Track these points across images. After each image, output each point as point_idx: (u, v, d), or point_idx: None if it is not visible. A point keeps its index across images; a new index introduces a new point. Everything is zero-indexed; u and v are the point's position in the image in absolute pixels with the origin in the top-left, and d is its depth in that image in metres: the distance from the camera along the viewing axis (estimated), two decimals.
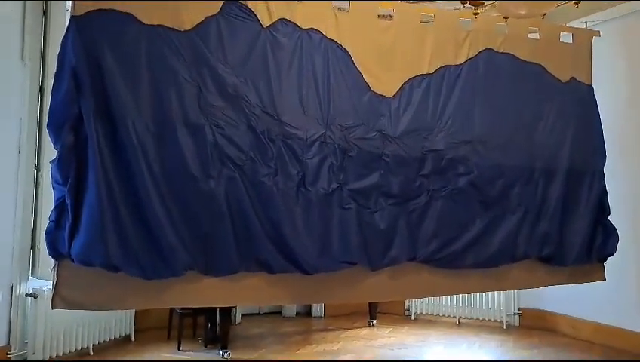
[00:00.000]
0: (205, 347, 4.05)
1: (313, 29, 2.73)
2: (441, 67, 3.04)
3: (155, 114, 2.39)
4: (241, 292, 2.59)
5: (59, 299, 2.30)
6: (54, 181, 2.31)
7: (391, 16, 3.02)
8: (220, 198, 2.49)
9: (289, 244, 2.59)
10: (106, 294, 2.39)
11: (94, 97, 2.26)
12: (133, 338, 4.14)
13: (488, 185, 3.10)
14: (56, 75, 2.30)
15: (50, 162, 2.36)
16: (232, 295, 2.58)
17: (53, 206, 2.33)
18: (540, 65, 3.31)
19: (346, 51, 2.81)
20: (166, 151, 2.40)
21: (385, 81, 2.90)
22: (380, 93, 2.88)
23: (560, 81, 3.36)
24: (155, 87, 2.39)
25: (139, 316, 4.20)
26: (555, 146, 3.30)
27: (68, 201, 2.25)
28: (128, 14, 2.36)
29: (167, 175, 2.39)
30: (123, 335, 4.09)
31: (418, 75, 2.98)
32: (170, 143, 2.41)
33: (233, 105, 2.54)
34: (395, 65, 2.93)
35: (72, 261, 2.26)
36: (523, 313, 4.71)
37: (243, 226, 2.54)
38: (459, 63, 3.09)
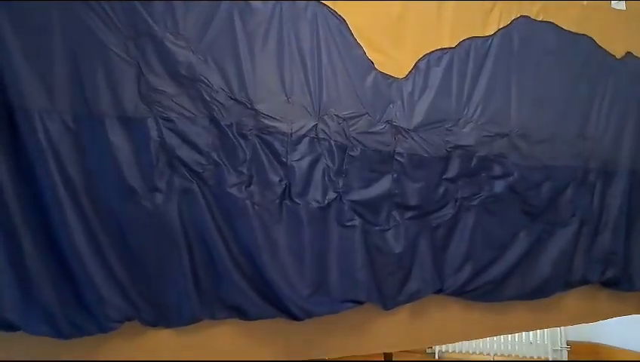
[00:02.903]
0: None
1: None
2: (465, 39, 2.34)
3: (73, 104, 1.70)
4: (206, 348, 1.87)
5: None
6: None
7: None
8: (171, 219, 1.80)
9: (269, 279, 1.88)
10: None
11: None
12: None
13: (532, 191, 2.39)
14: None
15: None
16: (192, 352, 1.86)
17: None
18: (589, 37, 2.63)
19: (341, 19, 2.12)
20: (91, 156, 1.71)
21: (394, 58, 2.21)
22: (388, 73, 2.18)
23: (614, 56, 2.68)
24: (73, 67, 1.71)
25: None
26: (613, 140, 2.61)
27: None
28: None
29: (93, 190, 1.70)
30: None
31: (436, 50, 2.28)
32: (96, 145, 1.72)
33: (188, 90, 1.85)
34: (406, 38, 2.24)
35: None
36: (572, 347, 3.91)
37: (205, 257, 1.84)
38: (488, 35, 2.39)
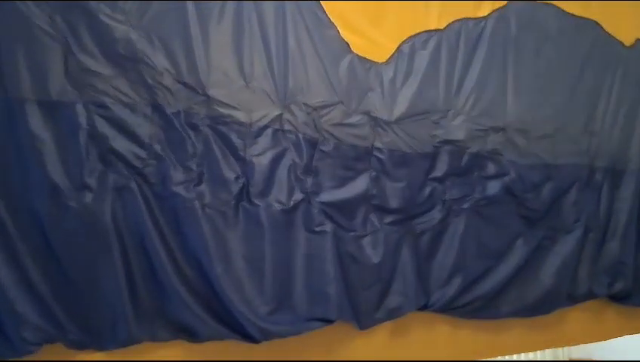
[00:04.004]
0: None
1: None
2: (455, 21, 2.08)
3: None
4: None
5: None
6: None
7: None
8: (103, 223, 1.52)
9: (222, 294, 1.61)
10: None
11: None
12: None
13: (531, 193, 2.15)
14: None
15: None
16: None
17: None
18: (595, 23, 2.37)
19: None
20: (6, 147, 1.45)
21: (373, 40, 1.94)
22: (366, 56, 1.92)
23: (622, 44, 2.44)
24: None
25: None
26: (621, 135, 2.39)
27: None
28: None
29: (8, 187, 1.44)
30: None
31: (422, 32, 2.02)
32: (13, 134, 1.45)
33: (126, 72, 1.58)
34: (387, 17, 1.97)
35: None
36: None
37: (144, 268, 1.57)
38: (481, 16, 2.13)
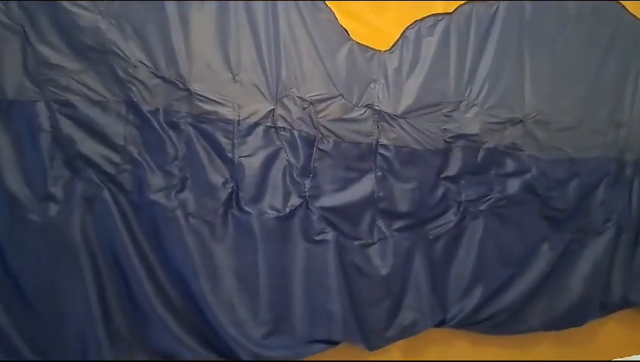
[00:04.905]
0: None
1: None
2: (464, 4, 1.89)
3: None
4: None
5: None
6: None
7: None
8: (71, 237, 1.35)
9: (209, 315, 1.43)
10: None
11: None
12: None
13: (555, 191, 1.96)
14: None
15: None
16: None
17: None
18: (618, 4, 2.18)
19: None
20: None
21: (375, 25, 1.76)
22: (368, 44, 1.73)
23: None
24: None
25: None
26: None
27: None
28: None
29: None
30: None
31: (429, 16, 1.83)
32: None
33: (95, 65, 1.40)
34: (389, 1, 1.78)
35: None
36: None
37: (119, 286, 1.39)
38: None
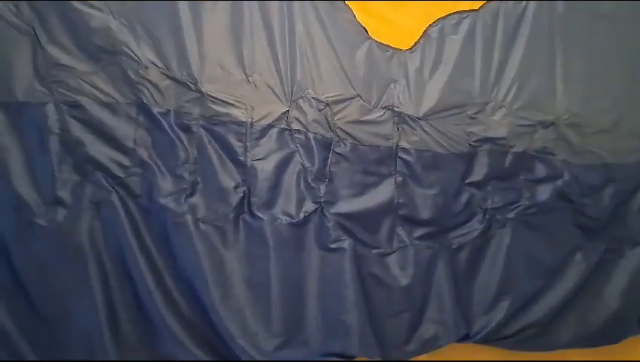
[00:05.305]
0: None
1: None
2: (490, 1, 1.79)
3: None
4: None
5: None
6: None
7: None
8: (79, 243, 1.33)
9: (219, 325, 1.38)
10: None
11: None
12: None
13: (589, 198, 1.82)
14: None
15: None
16: None
17: None
18: None
19: None
20: None
21: (395, 23, 1.69)
22: (388, 43, 1.66)
23: None
24: None
25: None
26: None
27: None
28: None
29: None
30: None
31: (453, 13, 1.75)
32: None
33: (105, 66, 1.38)
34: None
35: None
36: None
37: (126, 293, 1.36)
38: None
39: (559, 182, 1.78)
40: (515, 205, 1.73)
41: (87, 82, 1.35)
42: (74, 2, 1.34)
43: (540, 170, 1.77)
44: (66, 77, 1.34)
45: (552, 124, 1.79)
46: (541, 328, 1.72)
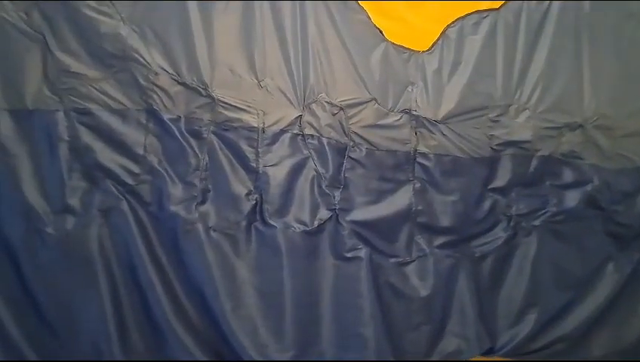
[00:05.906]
0: None
1: None
2: None
3: None
4: None
5: None
6: None
7: None
8: (88, 252, 1.32)
9: (230, 335, 1.36)
10: None
11: None
12: None
13: (621, 205, 1.74)
14: None
15: None
16: None
17: None
18: None
19: None
20: None
21: (412, 24, 1.63)
22: (404, 44, 1.61)
23: None
24: None
25: None
26: None
27: None
28: None
29: None
30: None
31: (472, 13, 1.70)
32: None
33: (115, 73, 1.37)
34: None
35: None
36: None
37: (137, 304, 1.34)
38: None
39: (588, 188, 1.70)
40: (542, 212, 1.66)
41: (96, 89, 1.35)
42: (84, 8, 1.33)
43: (568, 175, 1.70)
44: (76, 84, 1.33)
45: (580, 126, 1.72)
46: (571, 343, 1.64)
